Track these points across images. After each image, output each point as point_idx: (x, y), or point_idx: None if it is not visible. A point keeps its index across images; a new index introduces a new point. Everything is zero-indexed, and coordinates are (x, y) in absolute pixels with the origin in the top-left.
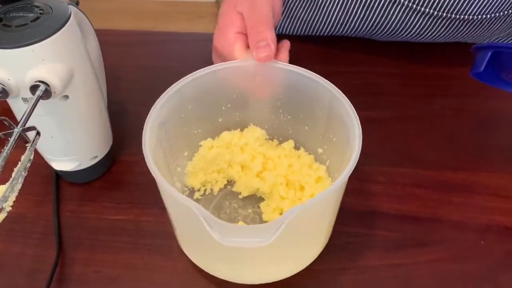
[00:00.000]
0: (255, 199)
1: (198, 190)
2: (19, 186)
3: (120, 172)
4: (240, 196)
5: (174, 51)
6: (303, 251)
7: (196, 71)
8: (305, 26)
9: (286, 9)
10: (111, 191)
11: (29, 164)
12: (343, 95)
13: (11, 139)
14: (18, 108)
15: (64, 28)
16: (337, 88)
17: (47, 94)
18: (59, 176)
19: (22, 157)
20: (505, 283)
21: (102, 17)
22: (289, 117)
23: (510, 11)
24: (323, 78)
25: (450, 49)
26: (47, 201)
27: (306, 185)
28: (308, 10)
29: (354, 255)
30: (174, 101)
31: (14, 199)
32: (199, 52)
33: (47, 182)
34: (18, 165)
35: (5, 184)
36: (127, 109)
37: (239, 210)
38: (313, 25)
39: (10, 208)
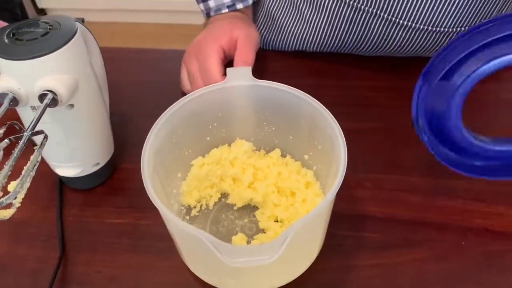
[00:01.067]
0: (249, 208)
1: (195, 207)
2: (27, 184)
3: (120, 179)
4: (235, 208)
5: (171, 67)
6: (303, 258)
7: (183, 98)
8: (295, 41)
9: (276, 25)
10: (112, 196)
11: (37, 165)
12: (324, 107)
13: (21, 142)
14: (27, 115)
15: (71, 42)
16: (317, 101)
17: (54, 102)
18: (63, 183)
19: (31, 157)
20: (485, 281)
21: (105, 38)
22: (273, 128)
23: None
24: (303, 92)
25: None
26: (51, 207)
27: (296, 191)
28: (297, 24)
29: (344, 256)
30: (166, 129)
31: (23, 196)
32: None
33: (52, 189)
34: (28, 164)
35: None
36: (127, 120)
37: (236, 221)
38: (303, 39)
39: (19, 205)
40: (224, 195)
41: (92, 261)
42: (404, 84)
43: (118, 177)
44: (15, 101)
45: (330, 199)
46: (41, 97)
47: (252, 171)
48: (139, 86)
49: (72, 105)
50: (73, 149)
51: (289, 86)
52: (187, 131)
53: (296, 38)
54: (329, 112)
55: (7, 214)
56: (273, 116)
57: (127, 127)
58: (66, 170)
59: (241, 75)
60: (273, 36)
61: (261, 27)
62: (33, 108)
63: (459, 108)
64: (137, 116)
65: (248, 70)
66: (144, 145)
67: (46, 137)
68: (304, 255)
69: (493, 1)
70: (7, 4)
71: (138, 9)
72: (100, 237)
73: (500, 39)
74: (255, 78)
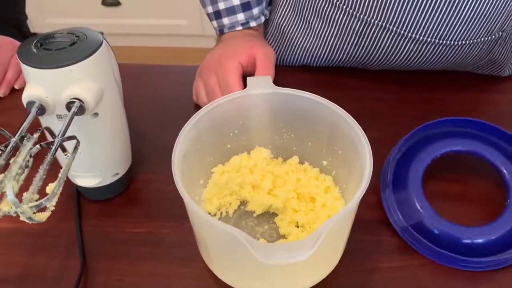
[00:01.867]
0: (268, 215)
1: (215, 214)
2: (61, 189)
3: (137, 190)
4: (254, 215)
5: (179, 80)
6: (330, 258)
7: (208, 105)
8: (303, 55)
9: (285, 39)
10: (129, 207)
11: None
12: (346, 112)
13: (53, 147)
14: (52, 125)
15: (98, 52)
16: (339, 107)
17: (81, 110)
18: (80, 194)
19: (66, 161)
20: (503, 280)
21: None
22: (292, 135)
23: (485, 38)
24: (323, 98)
25: (443, 76)
26: (69, 217)
27: (316, 196)
28: (307, 37)
29: (366, 259)
30: (192, 135)
31: (56, 200)
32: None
33: (69, 201)
34: (64, 168)
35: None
36: (142, 133)
37: (256, 228)
38: (312, 53)
39: (53, 208)
40: (243, 203)
41: (114, 269)
42: (408, 95)
43: (134, 188)
44: (42, 109)
45: (360, 196)
46: (69, 105)
47: (271, 178)
48: (150, 99)
49: (96, 114)
50: (95, 159)
51: (309, 93)
52: (210, 138)
53: (305, 52)
54: (351, 117)
55: (43, 217)
56: (292, 123)
57: (142, 140)
58: (86, 180)
59: (262, 84)
60: (282, 51)
61: (271, 41)
62: (59, 116)
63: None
64: (150, 129)
65: (269, 78)
66: (174, 148)
67: (78, 142)
68: (331, 255)
69: (496, 16)
70: (15, 21)
71: (133, 33)
72: (120, 246)
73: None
74: (275, 86)
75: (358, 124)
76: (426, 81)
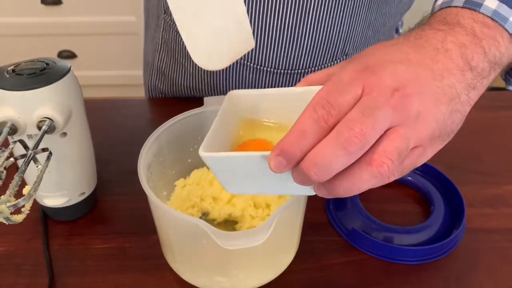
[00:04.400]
0: (229, 223)
1: None
2: (35, 195)
3: (102, 210)
4: (215, 222)
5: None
6: (286, 249)
7: (168, 120)
8: (186, 91)
9: (168, 79)
10: (96, 225)
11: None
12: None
13: (26, 158)
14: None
15: (66, 76)
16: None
17: (51, 128)
18: (46, 216)
19: (41, 168)
20: (429, 268)
21: None
22: None
23: (330, 63)
24: None
25: None
26: (36, 239)
27: (271, 202)
28: (183, 76)
29: (316, 257)
30: (155, 147)
31: (31, 204)
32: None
33: (35, 223)
34: (38, 173)
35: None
36: (106, 159)
37: None
38: (190, 88)
39: (28, 212)
40: (205, 214)
41: (82, 283)
42: None
43: (100, 208)
44: (14, 129)
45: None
46: (39, 123)
47: None
48: (113, 129)
49: (65, 133)
50: (63, 178)
51: None
52: (171, 152)
53: (186, 90)
54: None
55: (19, 218)
56: None
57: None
58: (53, 200)
59: (218, 102)
60: (165, 88)
61: (156, 81)
62: (30, 136)
63: None
64: (111, 156)
65: (223, 97)
66: (139, 157)
67: (51, 153)
68: (286, 245)
69: (335, 42)
70: None
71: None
72: (88, 262)
73: None
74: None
75: None
76: None
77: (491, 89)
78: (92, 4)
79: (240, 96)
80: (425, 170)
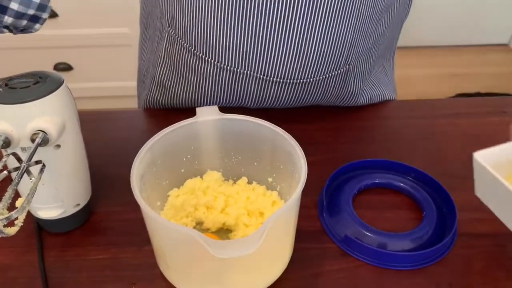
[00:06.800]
0: (223, 231)
1: None
2: (28, 207)
3: (97, 221)
4: (210, 231)
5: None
6: (278, 258)
7: (161, 131)
8: (185, 102)
9: (169, 92)
10: (90, 237)
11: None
12: (283, 130)
13: (20, 171)
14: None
15: (59, 89)
16: (276, 126)
17: (45, 140)
18: (41, 228)
19: (34, 180)
20: (421, 274)
21: None
22: (239, 157)
23: (334, 72)
24: (263, 120)
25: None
26: (31, 251)
27: (264, 210)
28: (186, 89)
29: (311, 264)
30: (148, 157)
31: (24, 217)
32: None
33: (30, 237)
34: (31, 185)
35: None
36: (100, 171)
37: None
38: (190, 100)
39: (22, 224)
40: (199, 223)
41: None
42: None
43: (94, 220)
44: (7, 142)
45: (297, 195)
46: (33, 136)
47: (223, 198)
48: (107, 141)
49: (59, 146)
50: (57, 189)
51: (251, 116)
52: (165, 162)
53: (185, 101)
54: (287, 133)
55: (12, 231)
56: (239, 146)
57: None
58: (48, 212)
59: (209, 112)
60: (165, 100)
61: (156, 94)
62: (23, 149)
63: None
64: (106, 169)
65: (215, 107)
66: (132, 168)
67: (44, 165)
68: (279, 253)
69: (339, 55)
70: None
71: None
72: (83, 273)
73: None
74: (221, 113)
75: (293, 138)
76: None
77: (482, 94)
78: (88, 17)
79: None
80: (417, 176)
